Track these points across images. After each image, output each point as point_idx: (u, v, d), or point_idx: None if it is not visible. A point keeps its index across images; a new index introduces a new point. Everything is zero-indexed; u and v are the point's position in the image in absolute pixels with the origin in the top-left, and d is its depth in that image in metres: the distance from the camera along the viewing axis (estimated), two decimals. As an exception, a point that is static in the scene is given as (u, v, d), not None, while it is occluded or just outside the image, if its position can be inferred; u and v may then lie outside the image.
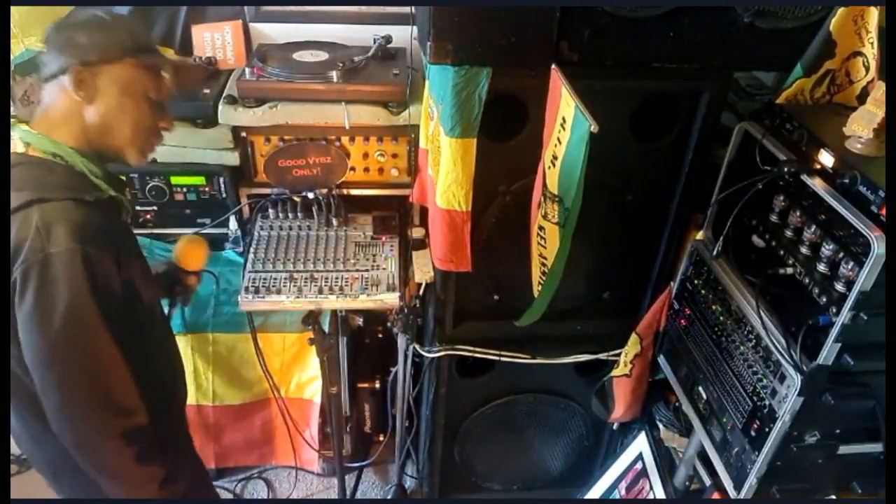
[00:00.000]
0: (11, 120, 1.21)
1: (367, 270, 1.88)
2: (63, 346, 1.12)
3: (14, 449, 2.44)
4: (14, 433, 1.34)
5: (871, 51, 1.36)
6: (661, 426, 1.96)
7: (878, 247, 1.08)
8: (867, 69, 1.38)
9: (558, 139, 1.26)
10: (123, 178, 1.49)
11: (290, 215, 2.01)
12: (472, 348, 1.91)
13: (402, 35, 1.84)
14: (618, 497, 2.06)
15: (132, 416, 1.20)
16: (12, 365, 1.18)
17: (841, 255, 1.20)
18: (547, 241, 1.38)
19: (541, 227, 1.38)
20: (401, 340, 1.98)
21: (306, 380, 2.24)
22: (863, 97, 1.37)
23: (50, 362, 1.13)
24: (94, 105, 1.22)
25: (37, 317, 1.09)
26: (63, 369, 1.14)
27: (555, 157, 1.28)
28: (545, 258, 1.41)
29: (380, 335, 2.35)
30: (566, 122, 1.22)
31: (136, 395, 1.21)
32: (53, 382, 1.14)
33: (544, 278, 1.43)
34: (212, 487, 1.76)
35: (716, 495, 1.69)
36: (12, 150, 1.20)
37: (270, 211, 2.01)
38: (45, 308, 1.09)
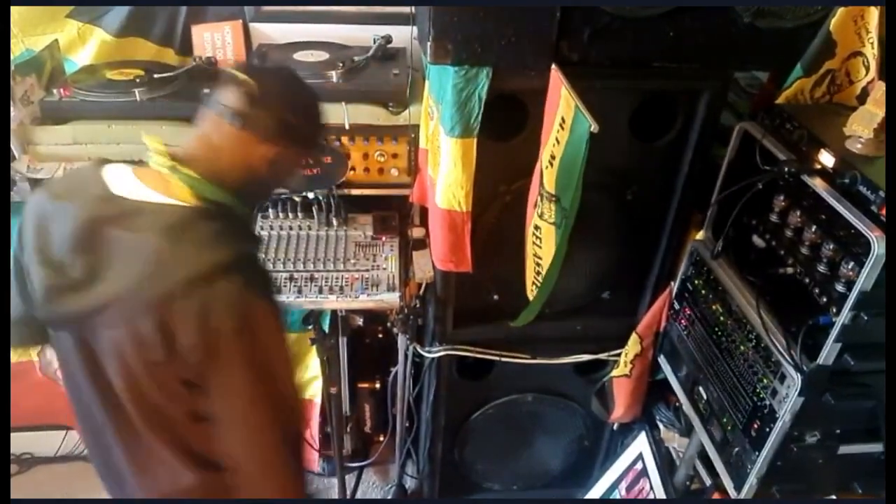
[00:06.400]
0: (172, 163, 1.09)
1: (367, 270, 1.87)
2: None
3: (14, 448, 2.45)
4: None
5: (871, 51, 1.36)
6: (661, 426, 1.95)
7: (878, 247, 1.08)
8: (867, 69, 1.38)
9: (556, 139, 1.26)
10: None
11: (290, 215, 2.01)
12: (472, 348, 1.91)
13: (402, 35, 1.84)
14: (618, 497, 2.06)
15: None
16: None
17: (841, 255, 1.20)
18: (543, 241, 1.37)
19: (536, 227, 1.38)
20: (401, 340, 1.97)
21: (306, 380, 2.24)
22: (863, 97, 1.37)
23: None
24: (271, 169, 1.18)
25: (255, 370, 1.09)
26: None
27: (553, 157, 1.28)
28: (540, 258, 1.40)
29: (380, 335, 2.35)
30: (565, 121, 1.22)
31: None
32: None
33: (539, 278, 1.42)
34: None
35: (716, 495, 1.69)
36: (175, 197, 1.08)
37: (270, 211, 2.01)
38: (263, 361, 1.10)
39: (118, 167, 1.13)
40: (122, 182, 1.09)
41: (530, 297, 1.51)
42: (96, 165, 1.14)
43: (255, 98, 1.10)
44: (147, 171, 1.11)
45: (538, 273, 1.43)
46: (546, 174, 1.31)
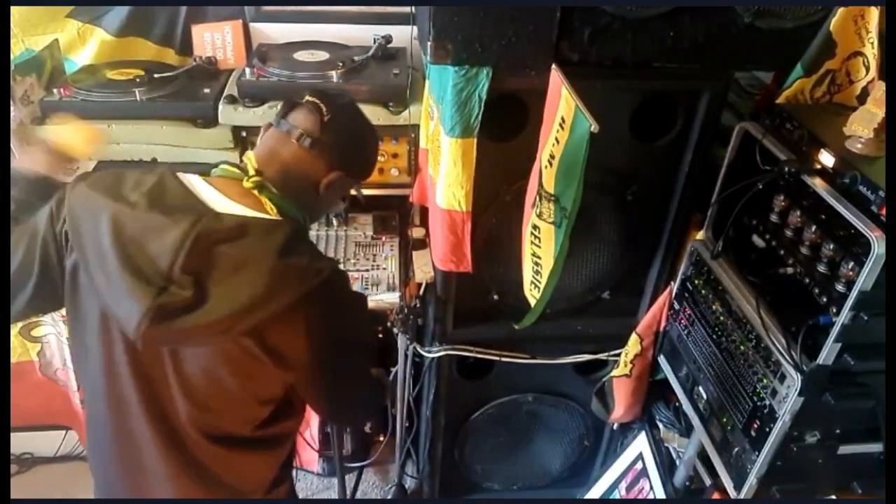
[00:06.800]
0: (261, 179, 1.13)
1: (367, 270, 1.88)
2: None
3: (14, 448, 2.46)
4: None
5: (871, 51, 1.36)
6: (661, 426, 1.95)
7: (878, 247, 1.08)
8: (867, 69, 1.38)
9: (556, 139, 1.26)
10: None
11: (290, 215, 2.01)
12: (472, 348, 1.91)
13: (402, 35, 1.84)
14: (618, 497, 2.06)
15: None
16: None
17: (841, 255, 1.20)
18: (542, 241, 1.37)
19: (535, 227, 1.38)
20: (401, 340, 1.97)
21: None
22: (863, 97, 1.37)
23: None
24: (329, 192, 1.22)
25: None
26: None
27: (552, 157, 1.28)
28: (539, 258, 1.41)
29: (380, 335, 2.34)
30: (565, 121, 1.22)
31: None
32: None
33: (539, 278, 1.42)
34: None
35: (716, 495, 1.69)
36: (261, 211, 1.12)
37: (270, 211, 2.00)
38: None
39: (193, 178, 1.12)
40: (209, 196, 1.09)
41: (528, 296, 1.51)
42: (170, 174, 1.11)
43: (326, 123, 1.16)
44: (224, 183, 1.12)
45: (537, 273, 1.43)
46: (545, 174, 1.31)
